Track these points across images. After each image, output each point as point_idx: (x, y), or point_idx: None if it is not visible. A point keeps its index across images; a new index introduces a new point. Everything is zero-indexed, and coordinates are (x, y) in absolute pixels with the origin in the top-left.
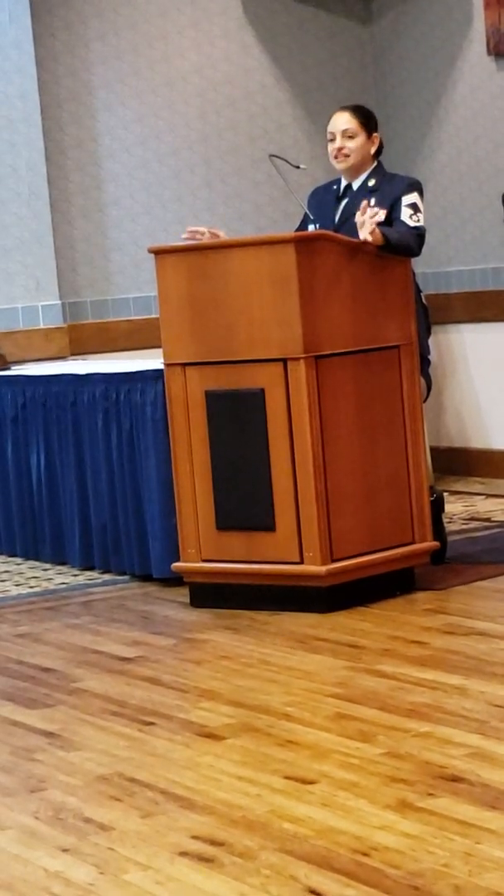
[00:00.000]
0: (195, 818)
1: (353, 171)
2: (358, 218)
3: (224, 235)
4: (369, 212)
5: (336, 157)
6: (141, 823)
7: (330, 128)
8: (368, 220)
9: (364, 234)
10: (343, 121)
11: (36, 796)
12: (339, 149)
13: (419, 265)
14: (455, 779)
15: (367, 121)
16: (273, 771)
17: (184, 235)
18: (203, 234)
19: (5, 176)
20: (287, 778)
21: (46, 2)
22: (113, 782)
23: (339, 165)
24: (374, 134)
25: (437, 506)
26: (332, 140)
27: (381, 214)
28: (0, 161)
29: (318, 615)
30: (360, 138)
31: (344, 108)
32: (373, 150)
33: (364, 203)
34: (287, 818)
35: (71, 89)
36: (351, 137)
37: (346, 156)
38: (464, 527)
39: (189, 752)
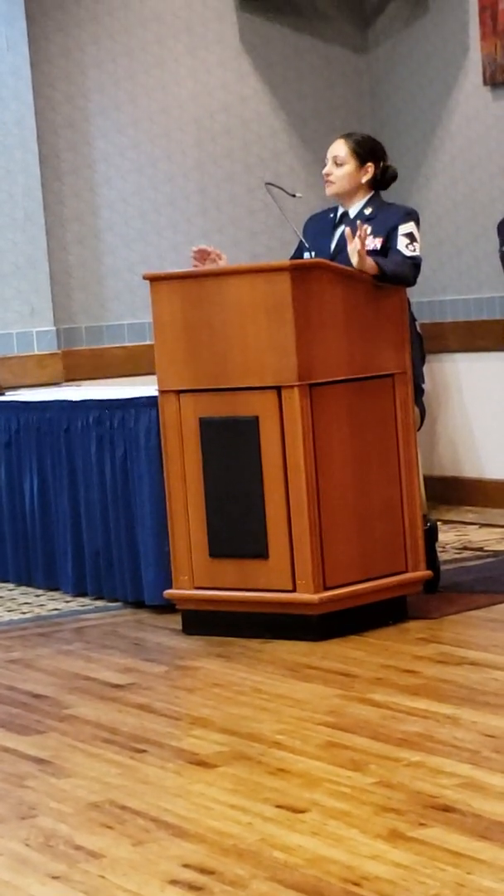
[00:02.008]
0: (186, 846)
1: (345, 198)
2: (349, 247)
3: (226, 262)
4: (356, 242)
5: (325, 182)
6: (132, 851)
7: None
8: (359, 243)
9: (354, 258)
10: (335, 147)
11: (27, 823)
12: (326, 174)
13: (413, 294)
14: (447, 808)
15: (361, 150)
16: (264, 799)
17: (192, 250)
18: (209, 253)
19: (1, 202)
20: (278, 806)
21: (43, 28)
22: (104, 810)
23: (326, 190)
24: (368, 163)
25: (431, 535)
26: (325, 164)
27: (377, 243)
28: None
29: (311, 643)
30: (349, 166)
31: (342, 136)
32: (364, 180)
33: (347, 231)
34: (278, 847)
35: (67, 116)
36: (339, 165)
37: (332, 182)
38: (457, 556)
39: (180, 780)
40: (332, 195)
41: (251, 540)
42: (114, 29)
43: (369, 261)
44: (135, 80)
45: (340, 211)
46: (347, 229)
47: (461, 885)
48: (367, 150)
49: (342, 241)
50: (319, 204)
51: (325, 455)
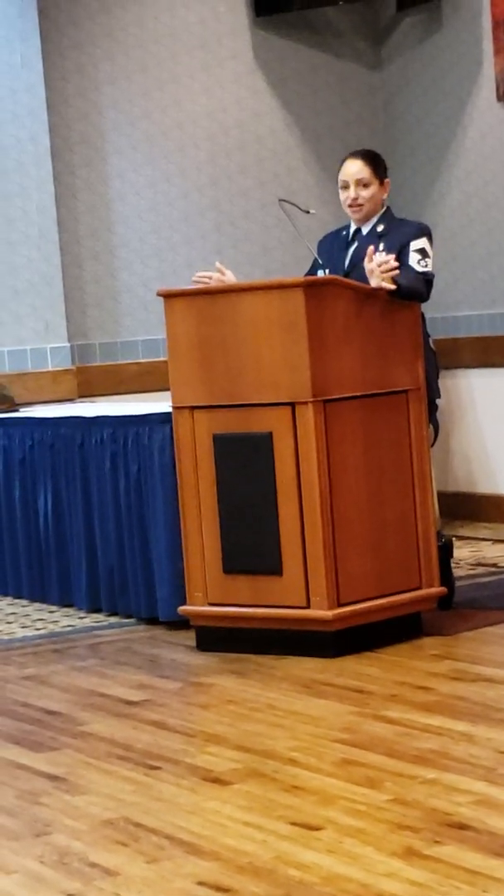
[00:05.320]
0: (201, 864)
1: (369, 217)
2: (367, 265)
3: (232, 276)
4: (377, 259)
5: (350, 206)
6: (146, 868)
7: (342, 175)
8: (377, 269)
9: (375, 282)
10: (356, 169)
11: (41, 840)
12: (354, 199)
13: (427, 309)
14: (462, 826)
15: (379, 167)
16: (279, 817)
17: (193, 279)
18: (210, 278)
19: (16, 218)
20: (293, 824)
21: (58, 45)
22: (118, 827)
23: (354, 215)
24: (386, 180)
25: (446, 551)
26: (346, 188)
27: (392, 262)
28: (10, 203)
29: (325, 660)
30: (374, 186)
31: (355, 156)
32: (384, 196)
33: (370, 249)
34: (293, 864)
35: (82, 132)
36: (365, 186)
37: (361, 205)
38: (471, 572)
39: (195, 797)
40: (361, 218)
41: (265, 556)
42: (128, 45)
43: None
44: (149, 96)
45: (353, 228)
46: (371, 247)
47: None
48: (382, 166)
49: (356, 258)
50: (333, 220)
51: (339, 471)
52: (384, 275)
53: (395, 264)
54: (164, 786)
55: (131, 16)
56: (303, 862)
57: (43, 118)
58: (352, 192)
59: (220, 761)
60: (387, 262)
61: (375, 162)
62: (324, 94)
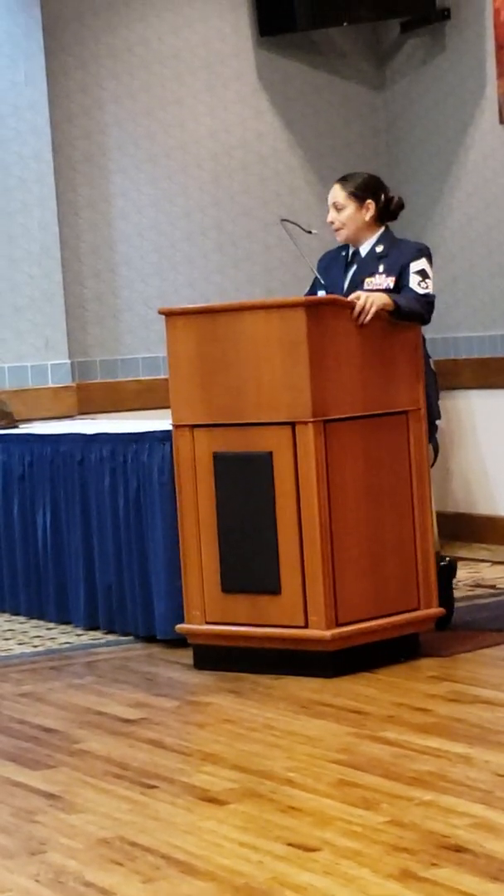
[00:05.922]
0: (196, 884)
1: (355, 239)
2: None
3: None
4: (361, 302)
5: (334, 231)
6: (142, 888)
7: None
8: (367, 310)
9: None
10: (333, 194)
11: (36, 859)
12: (330, 222)
13: (428, 331)
14: (458, 849)
15: (357, 190)
16: (275, 837)
17: None
18: None
19: (18, 235)
20: (289, 845)
21: (62, 63)
22: (114, 846)
23: (337, 237)
24: (368, 201)
25: (449, 572)
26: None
27: (390, 281)
28: (13, 220)
29: (323, 680)
30: (349, 209)
31: (337, 180)
32: (367, 217)
33: (353, 297)
34: (289, 886)
35: (85, 151)
36: (339, 210)
37: (338, 229)
38: (469, 593)
39: (191, 817)
40: (343, 239)
41: (264, 575)
42: (132, 65)
43: (385, 297)
44: (153, 115)
45: (352, 249)
46: (353, 296)
47: None
48: (362, 188)
49: (355, 279)
50: (333, 240)
51: (339, 491)
52: (368, 311)
53: (372, 310)
54: (160, 805)
55: (136, 36)
56: (299, 883)
57: (46, 136)
58: (329, 216)
59: (217, 781)
60: (363, 312)
61: (352, 185)
62: (327, 115)
